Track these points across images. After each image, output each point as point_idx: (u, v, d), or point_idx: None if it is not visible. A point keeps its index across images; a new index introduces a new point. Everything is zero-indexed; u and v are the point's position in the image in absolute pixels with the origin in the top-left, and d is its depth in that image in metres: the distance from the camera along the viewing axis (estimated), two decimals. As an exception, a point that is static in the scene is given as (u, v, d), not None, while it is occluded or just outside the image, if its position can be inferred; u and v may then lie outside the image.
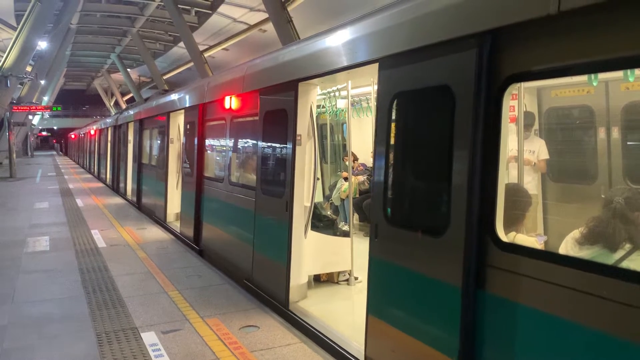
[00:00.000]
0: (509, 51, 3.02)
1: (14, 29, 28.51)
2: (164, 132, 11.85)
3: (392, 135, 4.04)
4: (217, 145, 8.85)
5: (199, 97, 9.29)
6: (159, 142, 12.68)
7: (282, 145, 6.02)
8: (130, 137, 16.77)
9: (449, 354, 3.29)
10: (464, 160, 3.22)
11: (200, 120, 9.22)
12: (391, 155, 4.03)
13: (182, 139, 10.46)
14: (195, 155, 9.33)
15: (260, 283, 6.34)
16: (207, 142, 9.21)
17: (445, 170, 3.39)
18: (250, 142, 7.24)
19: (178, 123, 11.29)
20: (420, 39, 3.66)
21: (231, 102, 7.49)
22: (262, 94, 6.48)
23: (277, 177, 6.14)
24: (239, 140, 7.78)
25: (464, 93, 3.24)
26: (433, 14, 3.59)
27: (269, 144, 6.48)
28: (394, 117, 4.02)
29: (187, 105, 10.10)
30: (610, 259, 3.05)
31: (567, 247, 3.36)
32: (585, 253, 3.19)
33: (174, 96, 11.58)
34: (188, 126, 9.97)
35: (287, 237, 5.64)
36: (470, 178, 3.17)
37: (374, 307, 4.12)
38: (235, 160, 7.88)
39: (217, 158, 8.87)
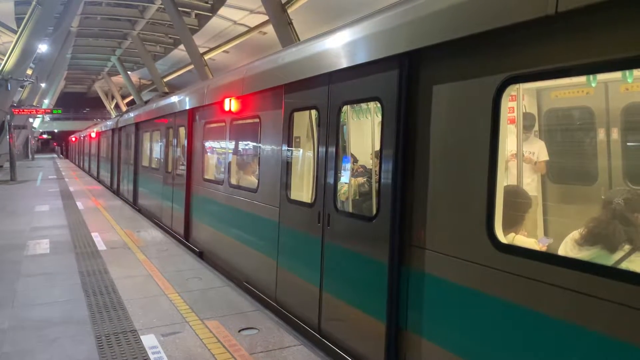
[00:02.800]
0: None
1: (15, 32, 28.59)
2: (177, 134, 11.16)
3: (341, 139, 4.88)
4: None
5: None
6: (169, 144, 11.95)
7: (311, 148, 5.73)
8: (137, 139, 16.00)
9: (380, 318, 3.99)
10: (389, 159, 3.95)
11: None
12: (340, 156, 4.91)
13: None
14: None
15: (287, 304, 5.71)
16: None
17: (377, 167, 4.21)
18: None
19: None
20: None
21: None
22: (287, 90, 5.82)
23: (306, 184, 5.80)
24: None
25: (389, 103, 3.97)
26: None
27: (297, 147, 5.94)
28: (342, 123, 4.86)
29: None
30: (610, 259, 3.04)
31: (567, 248, 3.36)
32: (584, 254, 3.18)
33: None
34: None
35: (319, 253, 5.02)
36: (394, 175, 3.88)
37: (326, 285, 4.86)
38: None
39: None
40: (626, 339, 2.38)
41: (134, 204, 15.54)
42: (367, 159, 6.29)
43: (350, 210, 5.13)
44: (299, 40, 18.19)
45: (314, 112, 5.51)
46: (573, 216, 5.22)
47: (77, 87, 79.86)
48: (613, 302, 2.43)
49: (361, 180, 6.15)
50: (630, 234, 3.16)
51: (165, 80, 47.20)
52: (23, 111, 28.89)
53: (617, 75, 4.02)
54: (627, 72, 3.67)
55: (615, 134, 5.17)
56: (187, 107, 9.94)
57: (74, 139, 55.21)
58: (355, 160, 6.51)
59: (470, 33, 3.17)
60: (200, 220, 9.25)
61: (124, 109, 51.59)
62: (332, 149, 4.86)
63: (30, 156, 57.34)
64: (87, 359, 4.48)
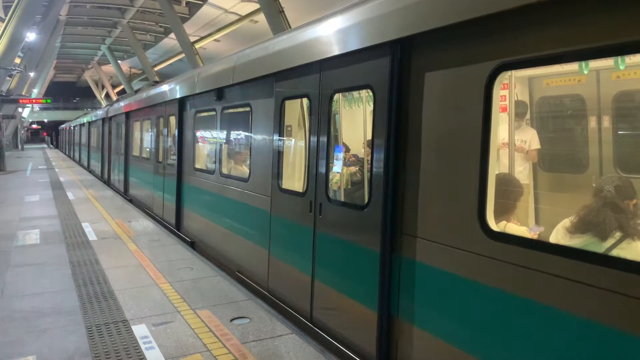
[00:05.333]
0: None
1: (2, 20, 28.16)
2: (168, 123, 10.80)
3: (332, 128, 4.86)
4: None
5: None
6: (159, 134, 11.69)
7: (303, 137, 5.69)
8: (128, 129, 15.70)
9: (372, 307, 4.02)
10: (381, 148, 3.92)
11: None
12: (332, 145, 4.90)
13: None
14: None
15: (279, 293, 5.71)
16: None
17: (369, 156, 4.18)
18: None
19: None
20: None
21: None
22: (278, 79, 5.78)
23: (298, 173, 5.75)
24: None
25: (381, 91, 3.94)
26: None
27: (288, 136, 5.88)
28: (333, 111, 4.84)
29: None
30: (601, 247, 3.05)
31: (558, 236, 3.37)
32: (576, 242, 3.19)
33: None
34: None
35: (311, 243, 4.98)
36: (385, 163, 3.85)
37: (318, 274, 4.86)
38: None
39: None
40: (616, 325, 2.39)
41: (125, 194, 15.47)
42: (359, 147, 6.27)
43: (342, 199, 5.11)
44: (290, 28, 18.04)
45: (305, 101, 5.47)
46: (564, 204, 5.24)
47: (66, 77, 79.16)
48: (604, 289, 2.43)
49: (353, 169, 6.14)
50: (621, 221, 3.17)
51: (156, 69, 46.76)
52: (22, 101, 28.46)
53: (609, 62, 4.02)
54: (619, 59, 3.66)
55: (606, 121, 5.18)
56: (178, 96, 9.86)
57: (64, 128, 54.74)
58: (347, 149, 6.48)
59: (462, 19, 3.14)
60: (192, 210, 9.22)
61: (114, 98, 51.17)
62: (323, 138, 4.84)
63: (19, 146, 56.79)
64: (78, 349, 4.45)
